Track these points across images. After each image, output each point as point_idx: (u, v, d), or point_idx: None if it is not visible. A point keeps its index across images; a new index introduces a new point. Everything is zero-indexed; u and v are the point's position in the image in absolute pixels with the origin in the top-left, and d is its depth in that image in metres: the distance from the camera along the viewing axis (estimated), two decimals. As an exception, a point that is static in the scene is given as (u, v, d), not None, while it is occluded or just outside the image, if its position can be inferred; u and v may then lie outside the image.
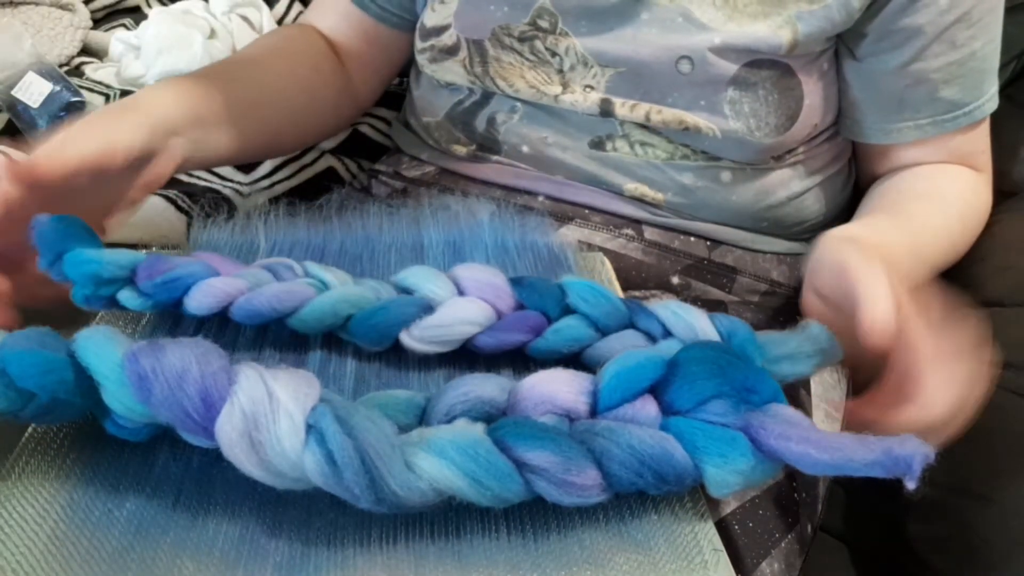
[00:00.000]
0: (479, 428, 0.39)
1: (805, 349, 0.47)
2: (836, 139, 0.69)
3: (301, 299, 0.47)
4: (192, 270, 0.47)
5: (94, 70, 0.86)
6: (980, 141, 0.67)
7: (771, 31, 0.59)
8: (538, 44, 0.64)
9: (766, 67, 0.60)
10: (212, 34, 0.87)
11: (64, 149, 0.46)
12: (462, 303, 0.49)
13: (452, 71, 0.68)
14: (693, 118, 0.61)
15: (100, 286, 0.46)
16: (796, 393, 0.62)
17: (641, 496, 0.41)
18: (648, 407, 0.42)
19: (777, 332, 0.48)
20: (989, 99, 0.64)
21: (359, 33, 0.74)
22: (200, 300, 0.46)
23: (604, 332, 0.49)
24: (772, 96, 0.61)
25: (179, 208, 0.70)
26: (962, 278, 0.67)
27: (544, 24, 0.63)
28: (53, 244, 0.47)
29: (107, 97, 0.79)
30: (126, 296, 0.47)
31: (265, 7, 0.93)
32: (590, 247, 0.66)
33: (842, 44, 0.63)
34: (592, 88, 0.63)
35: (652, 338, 0.49)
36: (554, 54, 0.64)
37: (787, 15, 0.59)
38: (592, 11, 0.62)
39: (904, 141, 0.65)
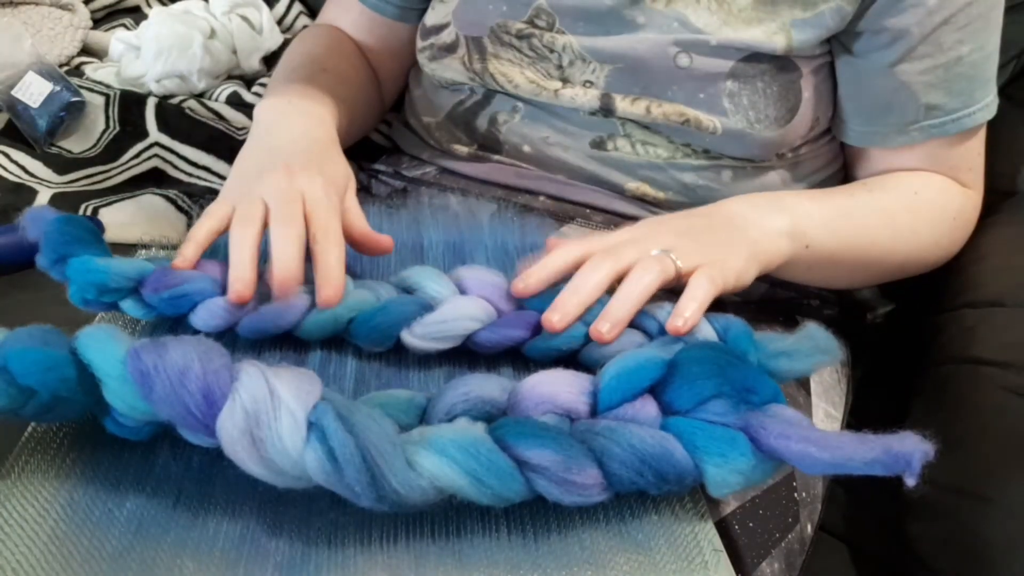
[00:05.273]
0: (480, 427, 0.39)
1: (803, 347, 0.47)
2: (837, 139, 0.69)
3: (302, 312, 0.48)
4: (200, 287, 0.47)
5: (94, 70, 0.86)
6: (969, 155, 0.64)
7: (766, 36, 0.59)
8: (535, 41, 0.64)
9: (765, 60, 0.60)
10: (212, 34, 0.87)
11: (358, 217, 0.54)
12: (463, 300, 0.49)
13: (451, 68, 0.68)
14: (693, 112, 0.61)
15: (103, 294, 0.47)
16: (795, 394, 0.61)
17: (641, 496, 0.41)
18: (648, 407, 0.42)
19: (776, 333, 0.48)
20: (981, 108, 0.62)
21: (385, 32, 0.75)
22: (206, 320, 0.47)
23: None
24: (771, 88, 0.61)
25: (179, 208, 0.70)
26: (962, 278, 0.67)
27: (541, 23, 0.63)
28: (57, 246, 0.47)
29: (107, 97, 0.79)
30: (129, 305, 0.47)
31: (265, 7, 0.93)
32: (590, 247, 0.66)
33: (836, 41, 0.63)
34: (592, 84, 0.63)
35: (650, 337, 0.49)
36: (552, 50, 0.64)
37: (781, 22, 0.59)
38: (588, 13, 0.62)
39: (890, 145, 0.63)
